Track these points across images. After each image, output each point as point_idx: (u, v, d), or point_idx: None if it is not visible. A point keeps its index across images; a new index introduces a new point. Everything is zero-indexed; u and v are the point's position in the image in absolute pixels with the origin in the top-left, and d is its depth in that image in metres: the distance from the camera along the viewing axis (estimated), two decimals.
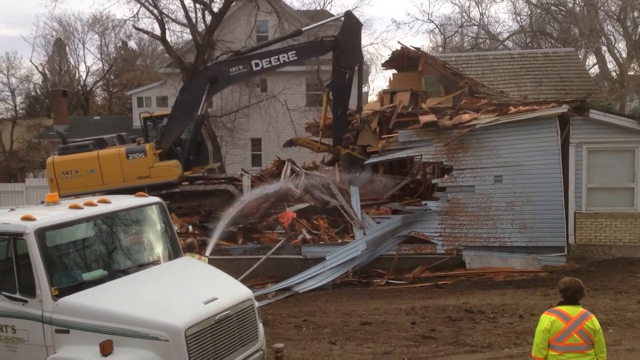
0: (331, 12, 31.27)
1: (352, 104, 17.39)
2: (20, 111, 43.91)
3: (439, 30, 41.71)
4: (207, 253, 12.50)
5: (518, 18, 38.44)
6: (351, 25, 16.75)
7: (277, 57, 16.31)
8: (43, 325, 6.61)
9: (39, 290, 6.62)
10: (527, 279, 13.70)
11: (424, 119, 15.36)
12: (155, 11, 25.48)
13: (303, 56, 17.23)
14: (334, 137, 17.35)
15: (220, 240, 15.09)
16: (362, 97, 16.58)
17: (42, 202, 8.39)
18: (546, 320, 5.60)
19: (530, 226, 14.60)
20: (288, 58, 16.41)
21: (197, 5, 26.08)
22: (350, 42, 16.49)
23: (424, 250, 14.94)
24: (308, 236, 15.04)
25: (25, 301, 6.70)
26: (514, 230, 14.69)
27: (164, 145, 16.33)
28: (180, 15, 27.11)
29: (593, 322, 5.56)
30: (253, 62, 16.28)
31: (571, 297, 5.66)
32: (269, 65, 16.34)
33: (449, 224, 14.94)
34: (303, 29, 18.09)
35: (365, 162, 16.22)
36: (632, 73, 31.03)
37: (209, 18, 25.99)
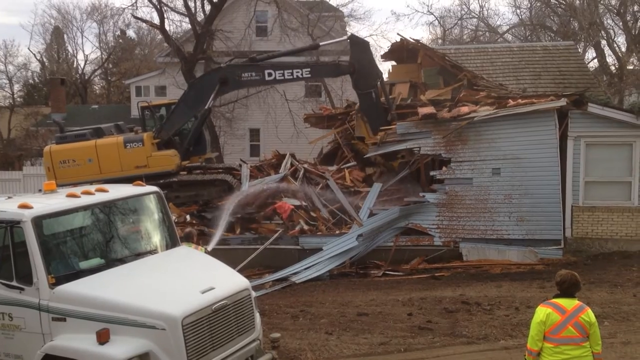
0: (330, 2, 31.18)
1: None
2: (18, 99, 43.81)
3: (439, 23, 41.74)
4: (210, 247, 12.44)
5: (518, 11, 38.62)
6: (358, 47, 16.28)
7: (291, 71, 16.06)
8: (40, 313, 6.62)
9: (35, 278, 6.62)
10: (523, 272, 13.73)
11: (423, 111, 15.32)
12: (154, 0, 25.40)
13: (317, 75, 17.15)
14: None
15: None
16: (392, 107, 16.19)
17: (40, 190, 8.35)
18: (542, 312, 5.62)
19: (527, 219, 14.61)
20: (302, 74, 16.23)
21: None
22: (364, 65, 16.05)
23: (422, 242, 14.95)
24: (306, 227, 15.06)
25: (22, 289, 6.70)
26: (511, 223, 14.69)
27: (163, 135, 16.30)
28: (180, 4, 27.21)
29: (588, 314, 5.57)
30: (266, 72, 16.09)
31: (567, 290, 5.68)
32: (282, 77, 16.21)
33: (447, 216, 14.95)
34: (320, 43, 18.10)
35: (364, 156, 16.17)
36: (631, 67, 30.97)
37: (208, 7, 25.94)
